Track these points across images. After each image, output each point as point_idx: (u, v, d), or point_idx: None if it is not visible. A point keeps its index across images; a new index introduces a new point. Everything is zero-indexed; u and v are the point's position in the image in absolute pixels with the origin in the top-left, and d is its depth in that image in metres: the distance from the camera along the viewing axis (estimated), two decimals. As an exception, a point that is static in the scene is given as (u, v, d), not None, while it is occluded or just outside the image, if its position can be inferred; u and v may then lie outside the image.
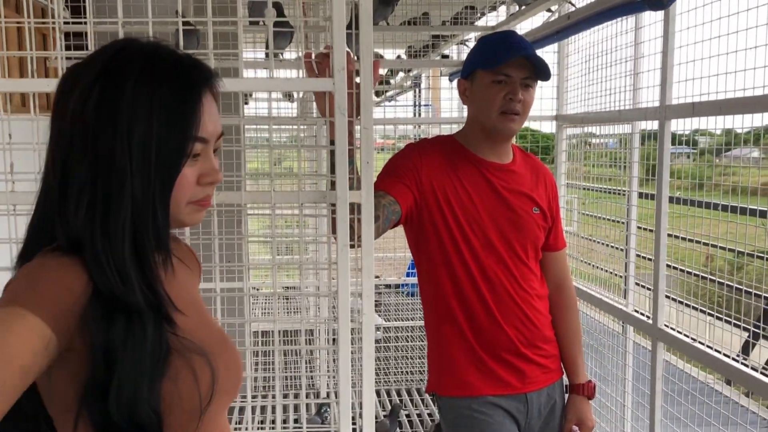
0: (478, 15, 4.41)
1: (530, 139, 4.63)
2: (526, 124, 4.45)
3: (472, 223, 1.90)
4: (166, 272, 1.01)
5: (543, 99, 4.08)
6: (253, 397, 4.28)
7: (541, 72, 1.90)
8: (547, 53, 4.12)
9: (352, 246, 1.56)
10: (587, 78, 3.71)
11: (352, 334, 1.56)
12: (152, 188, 0.93)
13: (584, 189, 4.03)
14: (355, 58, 1.55)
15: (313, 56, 1.56)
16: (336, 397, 1.59)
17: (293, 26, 3.40)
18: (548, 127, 4.23)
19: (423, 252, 1.96)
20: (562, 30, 2.93)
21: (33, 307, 0.85)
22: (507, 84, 1.89)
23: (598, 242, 3.75)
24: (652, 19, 2.93)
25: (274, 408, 4.08)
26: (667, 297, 2.90)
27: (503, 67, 1.88)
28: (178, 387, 0.94)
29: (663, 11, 2.66)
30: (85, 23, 1.58)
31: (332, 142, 1.52)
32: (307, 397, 4.66)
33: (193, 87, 0.97)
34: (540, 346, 1.97)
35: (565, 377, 2.09)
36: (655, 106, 2.82)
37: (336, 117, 1.50)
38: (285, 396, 4.36)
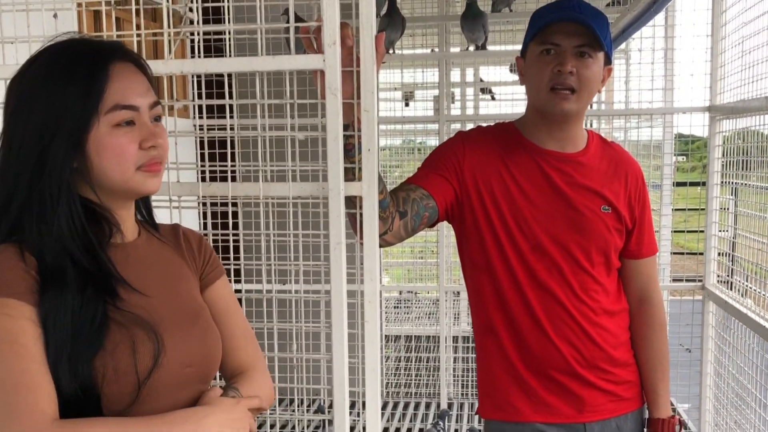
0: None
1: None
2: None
3: (521, 222, 1.62)
4: (116, 243, 1.09)
5: (694, 88, 3.65)
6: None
7: (598, 38, 1.58)
8: (699, 37, 3.69)
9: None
10: (745, 61, 3.21)
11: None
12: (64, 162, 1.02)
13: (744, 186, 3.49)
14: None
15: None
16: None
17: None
18: (699, 120, 3.76)
19: (465, 254, 1.72)
20: None
21: (7, 293, 0.94)
22: (556, 54, 1.60)
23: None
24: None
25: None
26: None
27: (549, 34, 1.59)
28: (114, 359, 0.98)
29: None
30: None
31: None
32: (331, 408, 4.44)
33: (97, 62, 1.05)
34: (606, 369, 1.66)
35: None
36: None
37: (327, 98, 1.32)
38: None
